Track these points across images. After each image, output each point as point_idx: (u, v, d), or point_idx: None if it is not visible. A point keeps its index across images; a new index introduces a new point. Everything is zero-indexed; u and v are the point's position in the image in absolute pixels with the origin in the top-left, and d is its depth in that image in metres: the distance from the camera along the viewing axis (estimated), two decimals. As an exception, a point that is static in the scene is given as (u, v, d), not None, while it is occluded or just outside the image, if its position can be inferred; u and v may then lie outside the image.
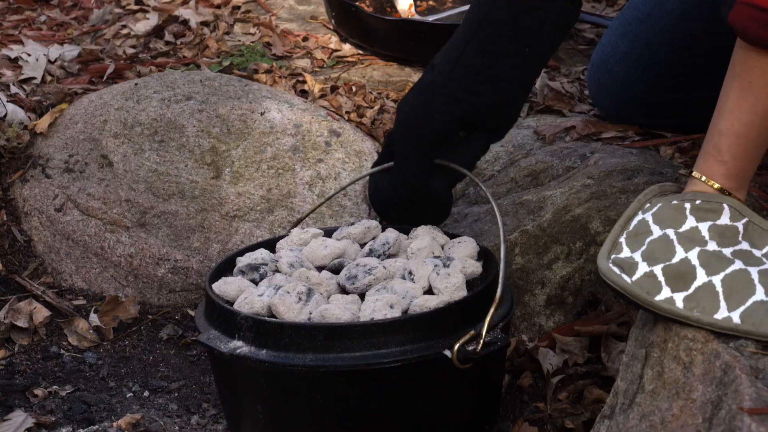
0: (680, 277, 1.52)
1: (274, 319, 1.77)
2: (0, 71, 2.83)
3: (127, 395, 2.10)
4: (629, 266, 1.55)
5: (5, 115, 2.56)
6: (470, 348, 1.71)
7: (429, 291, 1.83)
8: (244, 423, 1.87)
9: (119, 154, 2.48)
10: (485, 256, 1.92)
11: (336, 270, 1.91)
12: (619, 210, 2.09)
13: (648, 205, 1.63)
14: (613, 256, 1.58)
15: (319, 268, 1.92)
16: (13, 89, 2.71)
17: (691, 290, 1.51)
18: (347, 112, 2.67)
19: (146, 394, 2.11)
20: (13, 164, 2.55)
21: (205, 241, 2.42)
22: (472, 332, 1.71)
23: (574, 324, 2.00)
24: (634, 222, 1.61)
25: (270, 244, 2.03)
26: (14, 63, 2.90)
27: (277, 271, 1.92)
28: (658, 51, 2.38)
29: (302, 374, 1.74)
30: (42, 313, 2.30)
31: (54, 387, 2.11)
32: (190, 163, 2.46)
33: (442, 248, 1.93)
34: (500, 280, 1.73)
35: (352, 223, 2.02)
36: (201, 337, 1.82)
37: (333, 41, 3.06)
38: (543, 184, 2.30)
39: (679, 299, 1.51)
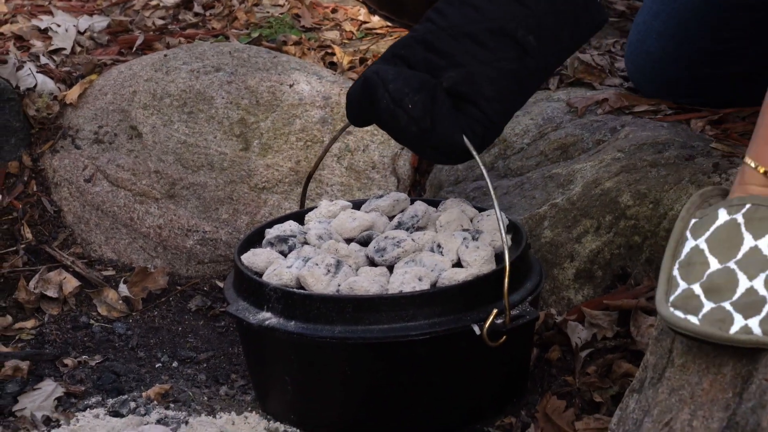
0: (750, 305, 1.42)
1: (302, 291, 1.77)
2: (30, 42, 2.83)
3: (156, 365, 2.11)
4: (693, 305, 1.45)
5: (35, 86, 2.57)
6: (498, 321, 1.71)
7: (457, 264, 1.82)
8: (273, 394, 1.87)
9: (148, 125, 2.49)
10: (514, 229, 1.92)
11: (364, 242, 1.90)
12: (649, 184, 2.07)
13: (694, 221, 1.53)
14: (672, 298, 1.47)
15: (348, 241, 1.92)
16: (43, 60, 2.71)
17: (764, 313, 1.41)
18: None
19: (175, 364, 2.12)
20: (43, 135, 2.56)
21: (234, 212, 2.42)
22: (495, 311, 1.70)
23: (603, 298, 1.99)
24: (686, 249, 1.51)
25: (299, 216, 2.03)
26: (44, 34, 2.91)
27: (305, 243, 1.92)
28: (692, 28, 2.36)
29: (330, 346, 1.74)
30: (72, 284, 2.31)
31: (83, 357, 2.12)
32: (219, 135, 2.46)
33: (471, 221, 1.93)
34: (506, 256, 1.71)
35: (381, 196, 2.02)
36: (230, 309, 1.82)
37: (362, 13, 3.06)
38: (573, 158, 2.29)
39: (755, 325, 1.41)
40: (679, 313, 1.44)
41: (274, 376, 1.85)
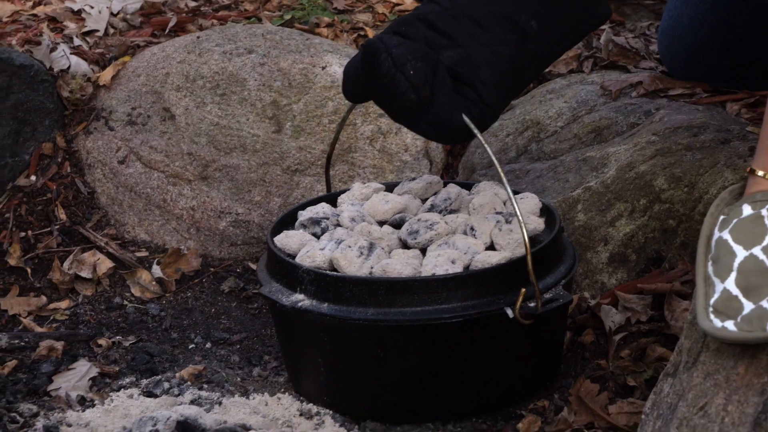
0: None
1: (335, 273, 1.77)
2: (63, 23, 2.84)
3: (190, 346, 2.12)
4: (734, 308, 1.44)
5: (69, 68, 2.58)
6: (531, 305, 1.71)
7: (491, 247, 1.82)
8: (305, 375, 1.88)
9: (181, 107, 2.49)
10: (547, 212, 1.91)
11: (397, 225, 1.90)
12: (684, 167, 2.06)
13: (722, 218, 1.54)
14: (712, 301, 1.46)
15: (381, 223, 1.92)
16: (77, 41, 2.72)
17: None
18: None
19: (208, 345, 2.12)
20: (77, 116, 2.56)
21: (266, 194, 2.42)
22: (524, 291, 1.70)
23: (637, 281, 1.99)
24: (713, 243, 1.52)
25: (331, 198, 2.03)
26: (77, 15, 2.91)
27: (338, 225, 1.92)
28: (723, 14, 2.34)
29: (363, 328, 1.74)
30: (105, 264, 2.32)
31: (117, 337, 2.13)
32: (252, 117, 2.47)
33: (504, 204, 1.92)
34: (526, 242, 1.70)
35: (414, 178, 2.01)
36: (263, 290, 1.83)
37: (395, -5, 3.05)
38: (607, 141, 2.28)
39: None
40: (716, 323, 1.44)
41: (306, 357, 1.85)
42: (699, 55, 2.39)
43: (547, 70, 2.59)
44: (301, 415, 1.84)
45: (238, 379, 1.98)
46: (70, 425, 1.82)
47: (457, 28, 1.74)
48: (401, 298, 1.72)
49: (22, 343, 2.09)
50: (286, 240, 1.88)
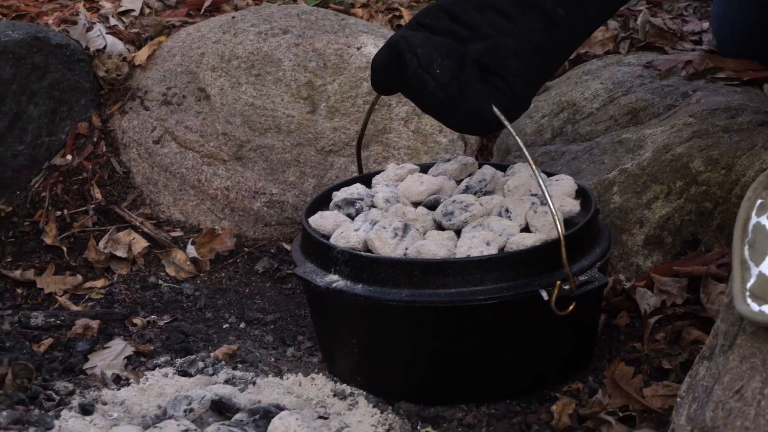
0: None
1: (370, 254, 1.77)
2: (99, 3, 2.84)
3: (224, 326, 2.13)
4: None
5: (105, 47, 2.59)
6: (565, 287, 1.70)
7: (526, 229, 1.81)
8: (339, 356, 1.88)
9: (216, 87, 2.49)
10: (583, 194, 1.90)
11: (432, 206, 1.90)
12: (721, 149, 2.05)
13: (759, 201, 1.53)
14: (749, 285, 1.45)
15: (415, 204, 1.91)
16: (112, 21, 2.72)
17: None
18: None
19: (242, 325, 2.13)
20: (113, 96, 2.57)
21: (301, 175, 2.42)
22: (559, 283, 1.69)
23: (672, 264, 1.98)
24: (750, 228, 1.50)
25: (365, 179, 2.03)
26: (113, -5, 2.92)
27: (372, 206, 1.92)
28: None
29: (397, 309, 1.74)
30: (141, 244, 2.33)
31: (152, 317, 2.14)
32: (287, 98, 2.47)
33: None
34: (558, 225, 1.70)
35: (448, 160, 2.01)
36: (297, 271, 1.83)
37: (430, -24, 3.04)
38: (643, 123, 2.27)
39: None
40: (754, 307, 1.43)
41: (340, 338, 1.85)
42: (752, 40, 2.36)
43: (583, 51, 2.58)
44: (334, 395, 1.84)
45: (272, 359, 1.99)
46: (105, 403, 1.83)
47: (482, 20, 1.74)
48: (435, 279, 1.71)
49: (58, 322, 2.10)
50: (320, 221, 1.88)
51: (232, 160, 2.44)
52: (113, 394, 1.86)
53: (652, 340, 1.84)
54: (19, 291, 2.23)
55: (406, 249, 1.77)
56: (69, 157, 2.48)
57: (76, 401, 1.82)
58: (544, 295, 1.69)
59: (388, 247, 1.77)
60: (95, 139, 2.52)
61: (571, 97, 2.40)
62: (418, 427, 1.75)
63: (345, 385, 1.86)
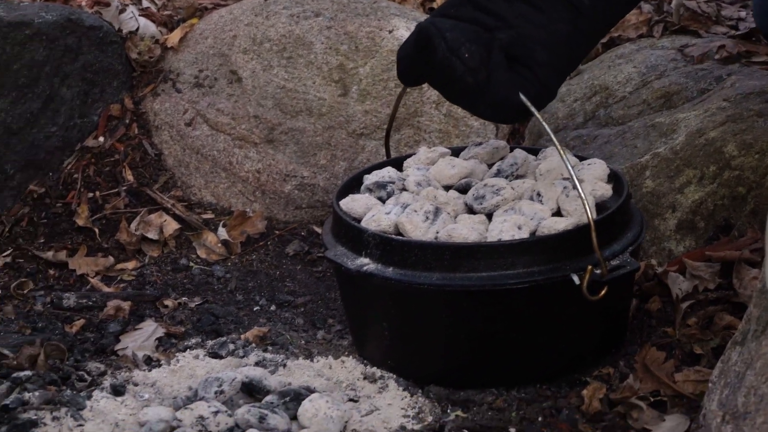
0: None
1: (400, 238, 1.77)
2: (132, -14, 2.85)
3: (254, 309, 2.13)
4: None
5: (137, 29, 2.59)
6: (597, 272, 1.70)
7: (557, 213, 1.81)
8: (370, 339, 1.88)
9: (248, 69, 2.50)
10: (615, 178, 1.89)
11: (463, 190, 1.89)
12: (755, 134, 2.03)
13: None
14: None
15: (446, 188, 1.91)
16: (145, 3, 2.73)
17: None
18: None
19: (273, 308, 2.13)
20: (145, 78, 2.58)
21: (332, 158, 2.42)
22: (590, 268, 1.69)
23: (705, 249, 1.96)
24: None
25: (397, 162, 2.02)
26: (146, -22, 2.93)
27: (404, 189, 1.91)
28: None
29: (428, 293, 1.74)
30: (172, 226, 2.34)
31: (183, 298, 2.15)
32: (318, 80, 2.46)
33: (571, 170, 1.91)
34: (588, 209, 1.69)
35: (480, 143, 2.00)
36: (328, 254, 1.83)
37: (462, -42, 3.02)
38: (676, 107, 2.25)
39: None
40: None
41: (371, 321, 1.85)
42: None
43: (616, 34, 2.56)
44: (364, 378, 1.85)
45: (303, 341, 1.99)
46: (136, 384, 1.84)
47: (508, 9, 1.73)
48: (466, 263, 1.71)
49: (90, 303, 2.11)
50: (351, 204, 1.88)
51: (264, 142, 2.44)
52: (144, 375, 1.86)
53: (684, 325, 1.83)
54: (51, 272, 2.25)
55: (437, 233, 1.77)
56: (101, 138, 2.49)
57: (107, 382, 1.83)
58: (576, 279, 1.69)
59: (419, 230, 1.77)
60: (127, 121, 2.52)
61: (604, 80, 2.39)
62: (448, 411, 1.75)
63: (375, 368, 1.86)
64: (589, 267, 1.69)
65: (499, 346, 1.78)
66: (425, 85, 2.42)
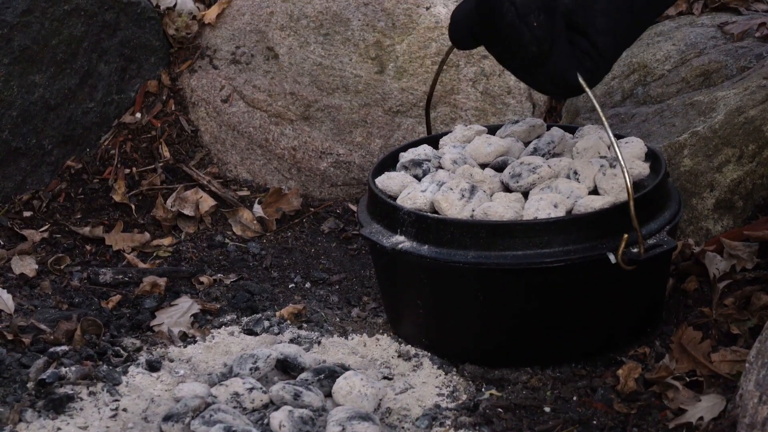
0: None
1: (436, 215, 1.76)
2: (169, -38, 2.85)
3: (290, 286, 2.13)
4: None
5: (175, 5, 2.59)
6: (634, 250, 1.69)
7: (594, 191, 1.80)
8: (404, 317, 1.88)
9: (285, 46, 2.49)
10: (653, 157, 1.88)
11: (499, 168, 1.88)
12: (795, 113, 2.02)
13: None
14: None
15: (482, 166, 1.90)
16: (182, -20, 2.73)
17: None
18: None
19: (308, 285, 2.13)
20: (182, 54, 2.58)
21: (368, 135, 2.42)
22: (626, 236, 1.67)
23: (743, 228, 1.95)
24: None
25: (433, 140, 2.02)
26: (183, -46, 2.92)
27: (440, 167, 1.91)
28: None
29: (463, 271, 1.73)
30: (208, 203, 2.34)
31: (219, 275, 2.15)
32: (355, 57, 2.46)
33: (608, 148, 1.89)
34: (629, 185, 1.67)
35: (516, 121, 1.99)
36: (363, 231, 1.83)
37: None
38: (715, 85, 2.23)
39: None
40: None
41: (406, 299, 1.85)
42: None
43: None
44: (399, 356, 1.84)
45: (337, 319, 1.99)
46: (172, 360, 1.84)
47: None
48: (502, 241, 1.70)
49: (126, 279, 2.12)
50: (387, 181, 1.87)
51: (300, 119, 2.44)
52: (180, 351, 1.87)
53: (721, 305, 1.82)
54: (88, 248, 2.25)
55: (473, 211, 1.76)
56: (138, 115, 2.50)
57: (143, 358, 1.84)
58: (612, 258, 1.68)
59: (454, 208, 1.76)
60: (164, 98, 2.53)
61: (642, 58, 2.37)
62: (483, 389, 1.75)
63: (409, 346, 1.86)
64: (624, 237, 1.67)
65: (534, 325, 1.77)
66: (462, 63, 2.41)
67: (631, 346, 1.82)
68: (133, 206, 2.35)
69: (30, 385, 1.73)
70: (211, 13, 2.59)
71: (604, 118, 1.68)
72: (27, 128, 2.33)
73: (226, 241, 2.29)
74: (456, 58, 2.44)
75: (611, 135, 1.67)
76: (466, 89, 2.44)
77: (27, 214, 2.31)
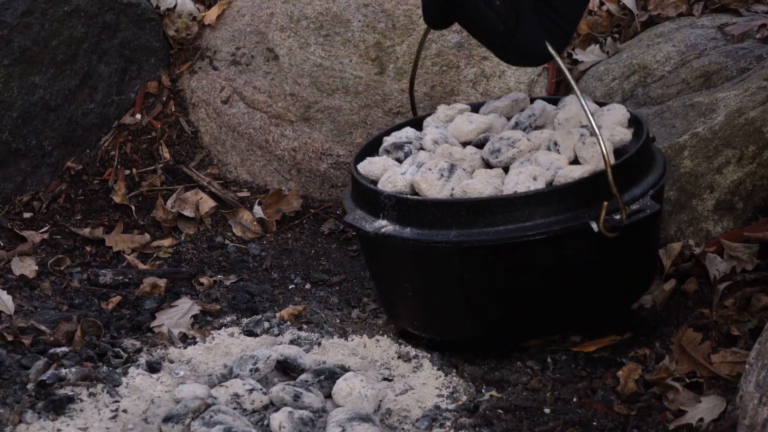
0: None
1: (416, 197, 1.74)
2: (169, -37, 2.85)
3: (289, 287, 2.13)
4: None
5: (175, 6, 2.59)
6: (617, 217, 1.67)
7: (575, 161, 1.76)
8: (395, 301, 1.86)
9: (285, 47, 2.49)
10: (635, 122, 1.84)
11: (481, 145, 1.85)
12: (795, 114, 2.02)
13: None
14: None
15: (465, 144, 1.87)
16: (182, -19, 2.73)
17: None
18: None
19: (308, 286, 2.13)
20: (182, 55, 2.58)
21: (368, 137, 2.42)
22: (606, 203, 1.64)
23: (743, 230, 1.95)
24: None
25: (416, 122, 1.99)
26: (183, -45, 2.92)
27: (421, 148, 1.88)
28: None
29: (446, 250, 1.71)
30: (208, 204, 2.34)
31: (219, 276, 2.15)
32: (355, 59, 2.46)
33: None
34: (605, 151, 1.65)
35: (499, 97, 1.97)
36: (347, 218, 1.81)
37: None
38: (716, 86, 2.23)
39: None
40: None
41: (394, 283, 1.84)
42: None
43: (655, 13, 2.54)
44: (399, 357, 1.84)
45: (337, 320, 1.99)
46: (172, 361, 1.84)
47: None
48: (483, 218, 1.68)
49: (126, 280, 2.12)
50: (369, 166, 1.85)
51: (300, 120, 2.44)
52: (180, 352, 1.87)
53: (721, 307, 1.82)
54: (88, 249, 2.26)
55: (453, 189, 1.74)
56: (138, 116, 2.50)
57: (143, 359, 1.84)
58: (594, 226, 1.65)
59: (434, 188, 1.74)
60: (164, 99, 2.53)
61: (643, 59, 2.37)
62: (483, 390, 1.75)
63: (410, 347, 1.86)
64: (605, 203, 1.65)
65: (520, 299, 1.75)
66: (462, 65, 2.41)
67: (630, 347, 1.81)
68: (133, 207, 2.35)
69: (30, 386, 1.73)
70: (211, 14, 2.59)
71: (575, 85, 1.66)
72: (27, 129, 2.33)
73: (226, 242, 2.29)
74: (456, 59, 2.44)
75: (584, 103, 1.65)
76: (467, 90, 2.44)
77: (27, 215, 2.31)
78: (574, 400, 1.71)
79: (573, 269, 1.74)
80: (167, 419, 1.64)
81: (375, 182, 1.83)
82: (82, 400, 1.70)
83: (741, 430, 1.47)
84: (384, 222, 1.76)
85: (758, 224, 1.96)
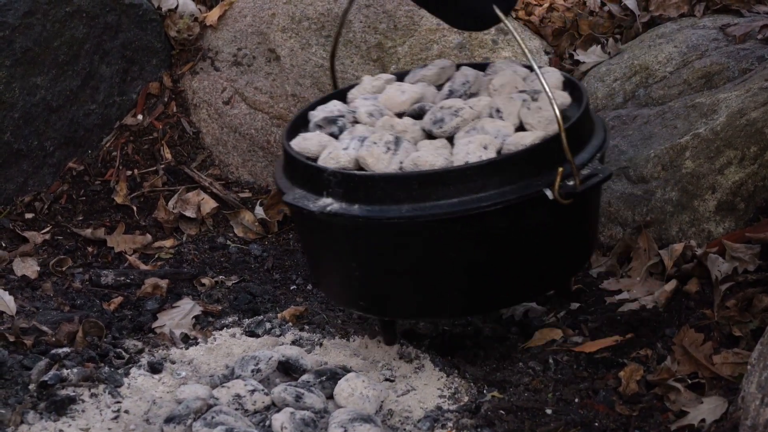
0: None
1: (364, 172, 1.69)
2: (171, -36, 2.85)
3: (291, 287, 2.13)
4: None
5: (176, 7, 2.59)
6: (570, 183, 1.64)
7: (520, 128, 1.73)
8: (338, 281, 1.81)
9: (286, 48, 2.49)
10: (572, 86, 1.82)
11: (417, 115, 1.80)
12: (797, 114, 2.02)
13: None
14: None
15: (398, 115, 1.82)
16: (184, -18, 2.73)
17: None
18: (515, 10, 2.62)
19: (309, 287, 2.13)
20: (184, 56, 2.58)
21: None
22: (560, 169, 1.62)
23: (745, 230, 1.95)
24: None
25: (341, 95, 1.93)
26: (185, -44, 2.92)
27: (356, 122, 1.82)
28: None
29: (399, 226, 1.66)
30: (209, 204, 2.34)
31: (220, 277, 2.16)
32: (356, 59, 2.46)
33: (524, 81, 1.82)
34: (558, 116, 1.62)
35: (425, 65, 1.92)
36: (286, 198, 1.73)
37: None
38: (717, 87, 2.23)
39: None
40: None
41: (339, 263, 1.77)
42: None
43: (657, 13, 2.53)
44: (400, 358, 1.84)
45: (339, 321, 1.99)
46: (173, 362, 1.84)
47: None
48: (436, 190, 1.64)
49: (128, 281, 2.12)
50: (304, 143, 1.78)
51: (302, 121, 2.44)
52: (181, 353, 1.87)
53: (723, 307, 1.82)
54: (89, 249, 2.26)
55: (401, 163, 1.69)
56: (140, 116, 2.50)
57: (145, 359, 1.84)
58: (549, 194, 1.63)
59: (381, 162, 1.69)
60: (166, 99, 2.53)
61: (644, 60, 2.37)
62: (484, 391, 1.75)
63: (411, 348, 1.86)
64: (560, 169, 1.62)
65: (479, 272, 1.72)
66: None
67: (632, 348, 1.81)
68: (134, 208, 2.36)
69: (32, 386, 1.73)
70: (212, 15, 2.59)
71: (525, 48, 1.64)
72: (29, 130, 2.33)
73: (228, 242, 2.29)
74: (458, 60, 2.44)
75: (536, 65, 1.63)
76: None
77: (29, 215, 2.31)
78: (576, 400, 1.71)
79: (525, 238, 1.70)
80: (169, 420, 1.64)
81: (313, 159, 1.75)
82: (83, 401, 1.71)
83: (743, 431, 1.47)
84: (329, 200, 1.69)
85: (760, 225, 1.96)
